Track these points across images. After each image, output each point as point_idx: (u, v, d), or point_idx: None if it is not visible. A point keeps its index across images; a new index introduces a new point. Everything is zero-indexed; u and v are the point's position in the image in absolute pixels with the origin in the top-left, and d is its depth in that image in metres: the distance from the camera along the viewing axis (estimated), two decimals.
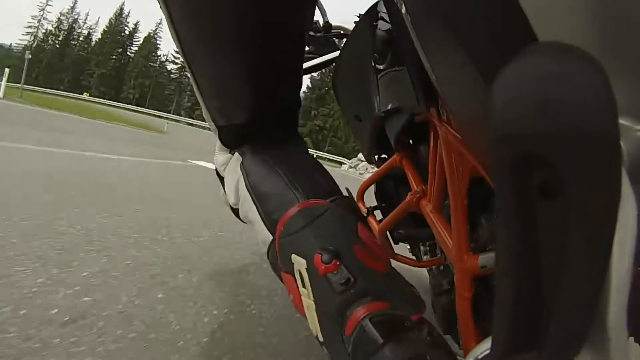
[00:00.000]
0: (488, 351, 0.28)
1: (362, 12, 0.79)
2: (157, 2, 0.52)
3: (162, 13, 0.53)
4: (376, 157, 0.96)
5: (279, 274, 0.50)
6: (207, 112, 0.62)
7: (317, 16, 1.18)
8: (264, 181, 0.55)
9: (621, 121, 0.23)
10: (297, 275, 0.43)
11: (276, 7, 0.51)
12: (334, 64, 1.02)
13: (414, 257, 1.03)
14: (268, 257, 0.53)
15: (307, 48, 1.17)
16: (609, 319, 0.20)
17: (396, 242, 0.91)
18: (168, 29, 0.54)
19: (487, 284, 0.48)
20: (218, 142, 0.66)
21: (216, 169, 0.70)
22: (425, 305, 0.44)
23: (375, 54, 0.68)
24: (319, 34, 1.18)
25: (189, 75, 0.59)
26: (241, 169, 0.59)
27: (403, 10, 0.40)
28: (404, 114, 0.66)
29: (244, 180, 0.57)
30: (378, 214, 0.94)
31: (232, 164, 0.63)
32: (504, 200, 0.19)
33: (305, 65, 1.10)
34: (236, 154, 0.62)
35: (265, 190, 0.54)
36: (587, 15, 0.23)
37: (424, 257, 0.96)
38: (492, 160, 0.19)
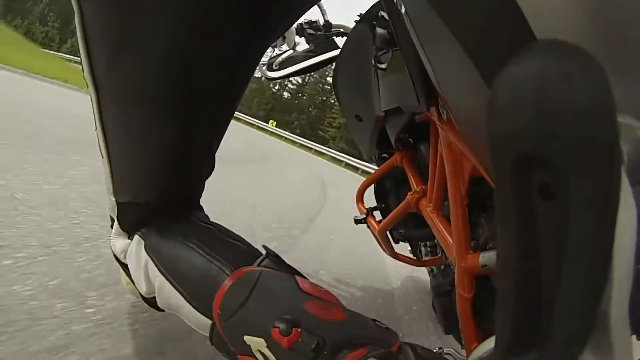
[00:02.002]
0: (491, 350, 0.28)
1: (363, 12, 0.80)
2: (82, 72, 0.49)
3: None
4: (376, 156, 0.97)
5: (234, 358, 0.45)
6: (110, 185, 0.57)
7: (317, 15, 1.19)
8: (180, 260, 0.50)
9: (620, 120, 0.23)
10: (258, 356, 0.40)
11: (205, 71, 0.50)
12: (333, 63, 1.02)
13: (414, 257, 1.03)
14: (212, 342, 0.48)
15: (307, 46, 1.17)
16: (611, 318, 0.20)
17: (396, 242, 0.91)
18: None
19: (488, 284, 0.48)
20: (115, 226, 0.61)
21: (115, 256, 0.63)
22: (396, 334, 0.42)
23: (376, 54, 0.68)
24: (319, 33, 1.19)
25: (101, 146, 0.55)
26: (147, 252, 0.53)
27: (403, 10, 0.40)
28: (404, 114, 0.66)
29: (154, 263, 0.52)
30: (378, 214, 0.94)
31: (133, 249, 0.57)
32: (504, 200, 0.19)
33: (305, 64, 1.10)
34: (136, 237, 0.56)
35: (184, 270, 0.49)
36: (586, 14, 0.23)
37: (425, 257, 0.96)
38: (492, 160, 0.19)
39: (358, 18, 0.83)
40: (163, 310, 0.58)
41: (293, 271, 0.49)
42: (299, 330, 0.37)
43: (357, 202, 1.01)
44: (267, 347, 0.38)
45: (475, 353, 0.29)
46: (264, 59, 1.19)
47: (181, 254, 0.50)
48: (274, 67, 1.14)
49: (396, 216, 0.75)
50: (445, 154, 0.51)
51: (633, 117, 0.22)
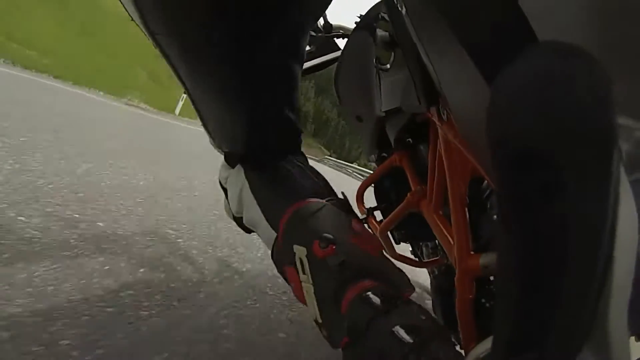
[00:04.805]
0: (489, 351, 0.28)
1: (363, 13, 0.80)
2: (152, 45, 0.55)
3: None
4: (376, 156, 0.97)
5: (282, 270, 0.53)
6: (211, 140, 0.69)
7: None
8: (268, 186, 0.60)
9: (620, 120, 0.23)
10: (298, 264, 0.47)
11: (271, 47, 0.56)
12: (335, 64, 1.02)
13: (415, 258, 1.03)
14: (272, 256, 0.56)
15: (307, 48, 1.17)
16: (610, 319, 0.20)
17: (397, 243, 0.91)
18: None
19: (488, 284, 0.48)
20: (222, 162, 0.72)
21: (220, 182, 0.76)
22: (414, 288, 0.47)
23: (377, 55, 0.68)
24: (319, 34, 1.19)
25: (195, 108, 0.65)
26: (245, 177, 0.64)
27: (403, 11, 0.40)
28: (404, 114, 0.66)
29: (248, 187, 0.62)
30: (377, 214, 0.94)
31: (234, 175, 0.68)
32: (505, 200, 0.19)
33: (306, 65, 1.10)
34: (238, 166, 0.67)
35: (269, 194, 0.59)
36: (586, 14, 0.23)
37: (426, 258, 0.96)
38: (493, 160, 0.19)
39: (358, 19, 0.83)
40: (248, 230, 0.71)
41: (354, 216, 0.57)
42: (334, 247, 0.44)
43: (357, 202, 1.01)
44: (307, 255, 0.46)
45: (473, 353, 0.29)
46: None
47: (270, 183, 0.60)
48: None
49: (397, 216, 0.75)
50: (445, 154, 0.51)
51: (632, 117, 0.22)
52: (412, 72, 0.52)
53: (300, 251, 0.47)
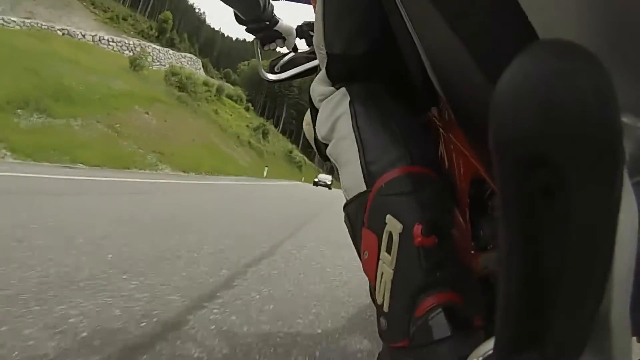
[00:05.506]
0: (490, 351, 0.28)
1: None
2: None
3: None
4: None
5: (356, 229, 0.47)
6: (322, 36, 0.58)
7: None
8: (375, 128, 0.51)
9: (623, 119, 0.23)
10: (384, 237, 0.41)
11: None
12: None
13: None
14: (347, 207, 0.51)
15: (307, 48, 1.17)
16: (611, 319, 0.20)
17: None
18: None
19: (489, 284, 0.48)
20: (321, 74, 0.63)
21: (310, 96, 0.67)
22: (484, 311, 0.42)
23: None
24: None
25: None
26: (350, 107, 0.55)
27: (403, 11, 0.40)
28: None
29: (352, 120, 0.53)
30: None
31: (335, 98, 0.58)
32: (506, 201, 0.19)
33: (306, 66, 1.10)
34: (343, 89, 0.58)
35: (374, 138, 0.50)
36: (588, 12, 0.23)
37: None
38: (495, 161, 0.19)
39: None
40: (325, 158, 0.62)
41: (455, 203, 0.51)
42: (436, 241, 0.38)
43: None
44: (401, 234, 0.39)
45: (476, 353, 0.29)
46: (264, 61, 1.19)
47: (379, 125, 0.51)
48: (275, 69, 1.14)
49: None
50: (446, 154, 0.51)
51: (635, 115, 0.22)
52: (412, 72, 0.52)
53: (394, 225, 0.40)
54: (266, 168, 20.46)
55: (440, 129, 0.53)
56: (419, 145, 0.49)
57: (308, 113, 0.71)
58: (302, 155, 53.25)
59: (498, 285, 0.22)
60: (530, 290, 0.20)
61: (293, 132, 71.56)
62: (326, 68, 0.60)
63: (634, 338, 0.30)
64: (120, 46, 30.34)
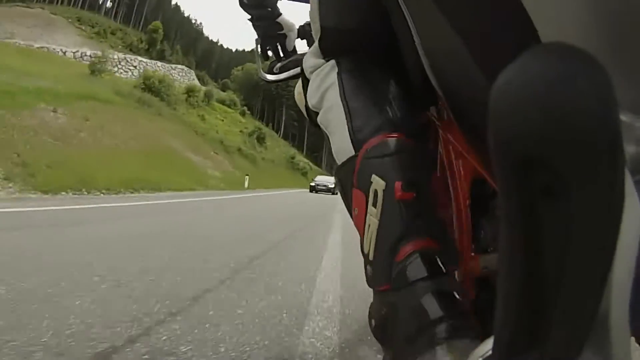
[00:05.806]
0: (490, 352, 0.28)
1: None
2: None
3: None
4: None
5: (347, 190, 0.52)
6: (317, 7, 0.61)
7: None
8: (361, 97, 0.55)
9: (623, 119, 0.23)
10: (371, 194, 0.46)
11: None
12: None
13: None
14: (339, 172, 0.55)
15: (307, 49, 1.17)
16: (611, 319, 0.20)
17: None
18: None
19: (489, 285, 0.48)
20: (314, 46, 0.66)
21: (301, 69, 0.70)
22: (458, 265, 0.47)
23: None
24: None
25: None
26: (338, 78, 0.59)
27: (405, 10, 0.40)
28: None
29: (340, 90, 0.57)
30: None
31: (325, 69, 0.62)
32: (507, 201, 0.19)
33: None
34: (332, 61, 0.61)
35: (360, 106, 0.54)
36: (588, 12, 0.23)
37: None
38: (495, 162, 0.19)
39: None
40: (316, 125, 0.66)
41: (435, 167, 0.56)
42: (414, 195, 0.43)
43: None
44: (384, 190, 0.44)
45: (475, 354, 0.29)
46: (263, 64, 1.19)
47: (365, 94, 0.56)
48: (274, 70, 1.14)
49: None
50: (445, 154, 0.51)
51: (635, 115, 0.22)
52: (411, 72, 0.52)
53: (378, 183, 0.45)
54: (247, 177, 17.51)
55: (439, 129, 0.53)
56: (401, 114, 0.53)
57: (299, 83, 0.74)
58: (306, 160, 51.24)
59: (498, 285, 0.22)
60: (530, 290, 0.20)
61: (296, 136, 68.65)
62: (319, 41, 0.63)
63: (633, 339, 0.30)
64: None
